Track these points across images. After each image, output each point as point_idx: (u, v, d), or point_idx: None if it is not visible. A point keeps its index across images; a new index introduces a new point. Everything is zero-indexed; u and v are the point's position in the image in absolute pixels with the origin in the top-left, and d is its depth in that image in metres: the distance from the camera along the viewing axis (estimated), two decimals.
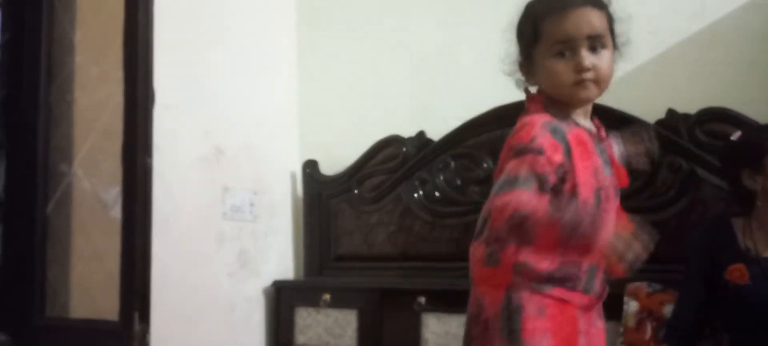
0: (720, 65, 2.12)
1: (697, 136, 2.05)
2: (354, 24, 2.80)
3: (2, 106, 2.31)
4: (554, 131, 1.26)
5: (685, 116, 2.08)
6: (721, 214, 1.82)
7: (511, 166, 1.24)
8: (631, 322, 1.90)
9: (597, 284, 1.33)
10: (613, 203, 1.34)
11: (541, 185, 1.21)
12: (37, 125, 2.30)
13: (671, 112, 2.10)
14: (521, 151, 1.24)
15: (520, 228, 1.21)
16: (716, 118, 2.04)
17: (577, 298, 1.29)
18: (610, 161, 1.36)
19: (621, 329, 1.91)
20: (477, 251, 1.33)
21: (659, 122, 2.11)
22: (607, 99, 2.12)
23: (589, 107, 1.38)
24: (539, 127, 1.26)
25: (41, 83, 2.33)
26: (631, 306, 1.90)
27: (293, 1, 2.91)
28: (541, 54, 1.31)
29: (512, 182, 1.22)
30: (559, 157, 1.24)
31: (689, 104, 2.07)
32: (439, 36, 2.61)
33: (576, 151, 1.27)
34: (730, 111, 2.02)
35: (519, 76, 1.37)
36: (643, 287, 1.91)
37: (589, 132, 1.34)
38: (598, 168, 1.30)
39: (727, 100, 2.04)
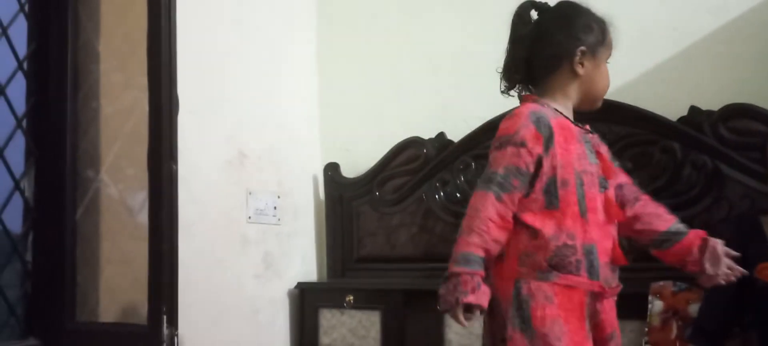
0: (743, 61, 2.10)
1: (720, 132, 2.03)
2: (373, 27, 2.81)
3: (31, 115, 2.35)
4: (538, 120, 1.38)
5: (708, 113, 2.06)
6: (749, 212, 1.81)
7: (493, 159, 1.39)
8: (656, 321, 1.89)
9: (605, 272, 1.38)
10: (597, 190, 1.41)
11: (520, 177, 1.35)
12: (65, 133, 2.33)
13: (694, 109, 2.08)
14: (504, 143, 1.38)
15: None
16: (740, 114, 2.02)
17: (585, 283, 1.36)
18: (597, 155, 1.46)
19: (646, 329, 1.90)
20: None
21: (682, 119, 2.10)
22: (629, 97, 2.13)
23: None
24: (525, 117, 1.39)
25: (68, 92, 2.36)
26: (656, 305, 1.90)
27: (313, 6, 2.93)
28: (603, 56, 1.48)
29: (489, 180, 1.37)
30: (539, 149, 1.36)
31: (712, 101, 2.06)
32: (458, 37, 2.61)
33: (559, 136, 1.38)
34: (753, 107, 2.00)
35: (571, 53, 1.45)
36: (668, 285, 1.90)
37: (576, 125, 1.46)
38: (582, 155, 1.41)
39: (750, 96, 2.02)
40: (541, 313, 1.33)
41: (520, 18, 1.48)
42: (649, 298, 1.91)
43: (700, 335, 1.72)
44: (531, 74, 1.49)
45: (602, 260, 1.38)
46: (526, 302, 1.34)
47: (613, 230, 1.42)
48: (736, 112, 2.02)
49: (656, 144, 2.10)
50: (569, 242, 1.34)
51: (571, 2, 1.51)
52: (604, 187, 1.43)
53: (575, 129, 1.44)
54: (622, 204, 1.49)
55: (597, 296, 1.38)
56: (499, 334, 1.40)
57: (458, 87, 2.58)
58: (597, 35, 1.47)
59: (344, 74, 2.85)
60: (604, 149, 1.51)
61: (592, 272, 1.36)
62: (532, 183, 1.37)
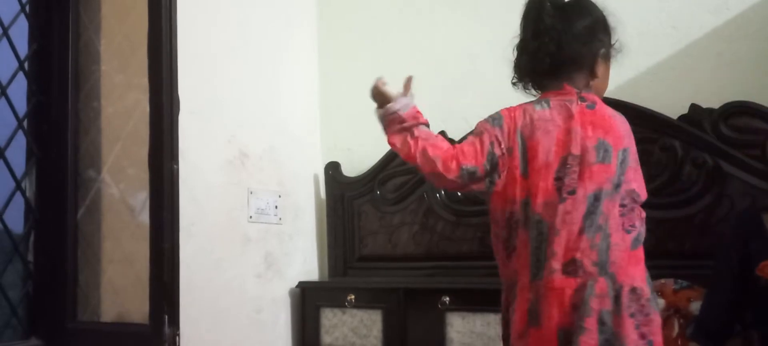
0: (743, 59, 2.09)
1: (721, 130, 2.03)
2: (374, 26, 2.81)
3: (32, 115, 2.36)
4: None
5: (709, 111, 2.06)
6: (750, 209, 1.81)
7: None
8: None
9: None
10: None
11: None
12: (67, 133, 2.34)
13: (694, 107, 2.08)
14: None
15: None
16: (740, 112, 2.02)
17: None
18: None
19: None
20: (621, 240, 1.39)
21: (682, 117, 2.10)
22: (629, 95, 2.13)
23: None
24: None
25: (69, 92, 2.37)
26: (658, 303, 1.89)
27: (313, 5, 2.94)
28: (611, 59, 1.53)
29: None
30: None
31: (713, 99, 2.06)
32: (459, 37, 2.61)
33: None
34: (754, 105, 2.00)
35: (596, 52, 1.48)
36: (669, 283, 1.90)
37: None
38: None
39: (751, 94, 2.02)
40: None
41: (542, 9, 1.45)
42: None
43: (702, 333, 1.72)
44: (554, 67, 1.46)
45: None
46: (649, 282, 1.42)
47: None
48: (736, 110, 2.02)
49: (656, 142, 2.10)
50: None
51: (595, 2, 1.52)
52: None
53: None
54: None
55: None
56: (639, 315, 1.36)
57: (459, 86, 2.58)
58: (612, 39, 1.51)
59: (345, 73, 2.85)
60: None
61: None
62: None
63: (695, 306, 1.81)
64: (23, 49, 2.36)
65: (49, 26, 2.39)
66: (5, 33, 2.29)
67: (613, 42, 1.51)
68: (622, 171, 1.41)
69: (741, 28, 2.11)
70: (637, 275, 1.38)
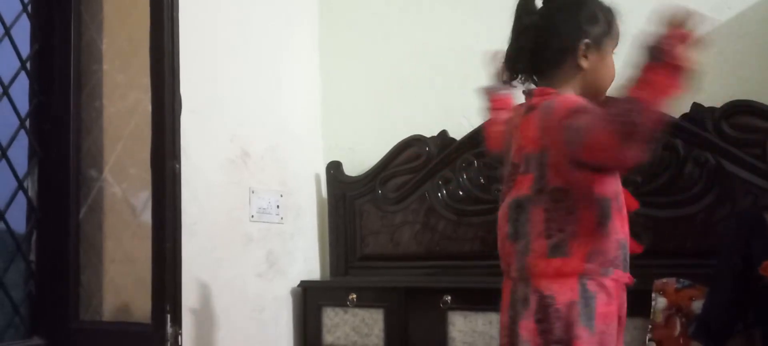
0: (745, 57, 2.09)
1: (723, 129, 2.03)
2: (375, 25, 2.81)
3: (34, 115, 2.36)
4: None
5: (711, 110, 2.06)
6: (752, 208, 1.81)
7: (568, 120, 1.27)
8: (659, 318, 1.89)
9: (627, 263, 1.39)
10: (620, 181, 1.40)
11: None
12: (69, 133, 2.34)
13: (696, 106, 2.08)
14: (574, 110, 1.28)
15: (631, 134, 1.15)
16: (742, 111, 2.02)
17: (626, 278, 1.37)
18: None
19: (649, 326, 1.90)
20: (535, 245, 1.33)
21: (684, 116, 2.10)
22: None
23: None
24: (573, 97, 1.36)
25: (71, 91, 2.37)
26: (660, 302, 1.89)
27: (315, 4, 2.94)
28: (610, 47, 1.43)
29: (578, 128, 1.23)
30: None
31: (714, 98, 2.06)
32: (460, 35, 2.61)
33: None
34: (756, 104, 2.00)
35: (575, 46, 1.39)
36: (671, 282, 1.90)
37: None
38: None
39: (753, 93, 2.02)
40: (605, 309, 1.30)
41: (524, 7, 1.43)
42: (653, 295, 1.91)
43: (704, 332, 1.72)
44: (535, 65, 1.44)
45: (629, 252, 1.38)
46: (591, 298, 1.29)
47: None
48: (738, 109, 2.02)
49: (659, 141, 2.10)
50: (620, 238, 1.34)
51: None
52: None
53: None
54: None
55: (625, 289, 1.38)
56: (551, 336, 1.30)
57: (460, 85, 2.58)
58: (602, 26, 1.42)
59: (346, 73, 2.85)
60: None
61: (625, 266, 1.36)
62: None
63: (697, 305, 1.81)
64: (25, 49, 2.37)
65: (50, 26, 2.39)
66: (7, 33, 2.29)
67: (603, 31, 1.41)
68: (542, 174, 1.33)
69: (742, 27, 2.11)
70: (552, 282, 1.31)
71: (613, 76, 1.44)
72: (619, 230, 1.35)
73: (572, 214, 1.31)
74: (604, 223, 1.32)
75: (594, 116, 1.23)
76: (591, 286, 1.30)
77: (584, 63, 1.40)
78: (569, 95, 1.38)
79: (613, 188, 1.36)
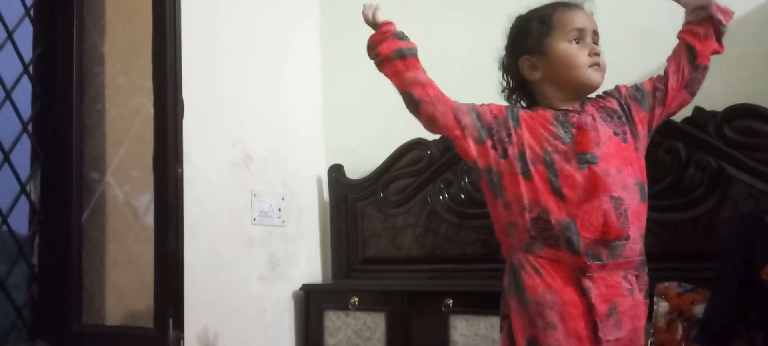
0: (747, 61, 2.09)
1: (725, 133, 2.03)
2: None
3: (37, 118, 2.37)
4: (508, 106, 1.52)
5: (713, 113, 2.06)
6: (754, 212, 1.80)
7: None
8: (661, 322, 1.89)
9: (595, 248, 1.36)
10: (576, 167, 1.40)
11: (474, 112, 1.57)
12: (71, 136, 2.35)
13: (698, 110, 2.08)
14: None
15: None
16: (744, 114, 2.02)
17: (568, 258, 1.37)
18: (578, 131, 1.43)
19: (651, 330, 1.90)
20: None
21: (686, 120, 2.09)
22: None
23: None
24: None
25: (74, 95, 2.38)
26: (661, 306, 1.89)
27: (317, 7, 2.94)
28: (557, 40, 1.45)
29: None
30: (502, 115, 1.49)
31: (716, 101, 2.05)
32: (462, 38, 2.61)
33: (528, 120, 1.46)
34: (758, 107, 2.00)
35: (516, 68, 1.54)
36: (673, 286, 1.90)
37: (557, 109, 1.47)
38: (553, 135, 1.42)
39: (755, 97, 2.02)
40: (532, 282, 1.38)
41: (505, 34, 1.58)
42: (654, 299, 1.91)
43: (705, 335, 1.72)
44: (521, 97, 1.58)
45: (586, 235, 1.36)
46: (517, 269, 1.41)
47: (603, 203, 1.37)
48: (740, 112, 2.02)
49: (661, 145, 2.09)
50: (544, 217, 1.38)
51: (518, 15, 1.57)
52: (585, 162, 1.39)
53: (549, 113, 1.46)
54: (673, 96, 1.56)
55: (583, 272, 1.36)
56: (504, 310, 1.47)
57: (462, 88, 2.57)
58: (536, 31, 1.49)
59: (348, 76, 2.85)
60: (589, 120, 1.45)
61: (572, 248, 1.37)
62: (505, 149, 1.44)
63: (699, 309, 1.81)
64: (28, 53, 2.37)
65: (53, 30, 2.40)
66: (10, 37, 2.30)
67: (540, 34, 1.48)
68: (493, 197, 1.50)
69: (744, 31, 2.10)
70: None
71: (577, 62, 1.44)
72: (555, 210, 1.38)
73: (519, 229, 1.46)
74: (495, 195, 1.46)
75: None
76: (515, 259, 1.43)
77: (535, 75, 1.50)
78: None
79: (495, 162, 1.46)
